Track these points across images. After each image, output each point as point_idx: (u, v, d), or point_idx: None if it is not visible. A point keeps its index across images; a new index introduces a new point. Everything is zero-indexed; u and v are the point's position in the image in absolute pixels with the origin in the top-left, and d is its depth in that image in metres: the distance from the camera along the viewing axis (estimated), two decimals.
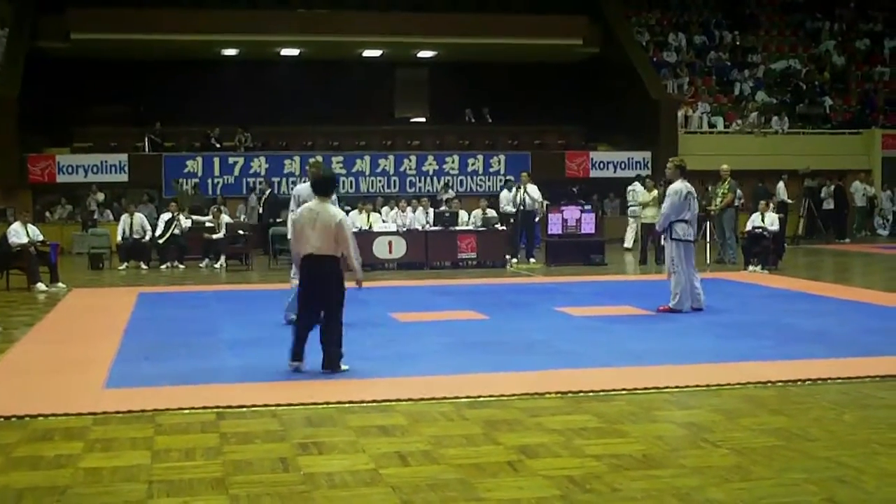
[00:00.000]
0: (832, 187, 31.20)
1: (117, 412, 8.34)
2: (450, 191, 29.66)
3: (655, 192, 22.74)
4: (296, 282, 13.15)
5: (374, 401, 8.68)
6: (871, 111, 36.15)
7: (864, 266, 23.68)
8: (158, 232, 23.67)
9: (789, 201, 29.69)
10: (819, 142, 33.96)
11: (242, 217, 27.89)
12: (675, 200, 14.54)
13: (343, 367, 10.07)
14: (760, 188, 27.23)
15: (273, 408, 8.44)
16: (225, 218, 24.53)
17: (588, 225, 23.27)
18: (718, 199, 22.96)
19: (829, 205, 31.07)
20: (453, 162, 31.42)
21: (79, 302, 16.94)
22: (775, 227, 21.45)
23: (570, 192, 31.94)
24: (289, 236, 12.58)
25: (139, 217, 23.91)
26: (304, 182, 14.22)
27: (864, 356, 10.73)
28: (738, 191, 23.96)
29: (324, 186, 10.41)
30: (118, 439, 7.50)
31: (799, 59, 37.68)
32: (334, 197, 10.61)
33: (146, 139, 31.09)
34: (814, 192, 30.47)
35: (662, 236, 15.08)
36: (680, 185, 14.66)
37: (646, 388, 9.12)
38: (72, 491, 6.29)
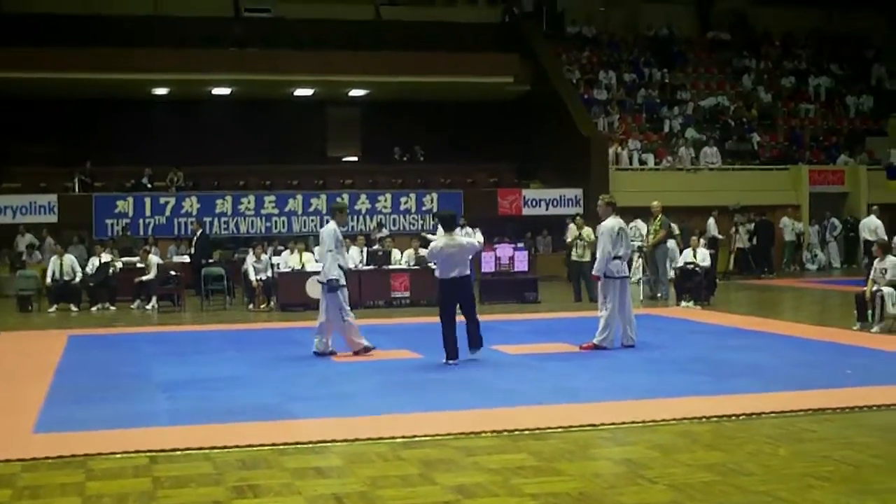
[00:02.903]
0: (752, 224, 31.30)
1: (47, 458, 8.18)
2: (383, 230, 29.62)
3: (587, 230, 22.65)
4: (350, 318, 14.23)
5: (309, 442, 8.61)
6: (798, 147, 36.69)
7: (794, 300, 23.95)
8: (89, 270, 23.50)
9: (720, 237, 29.97)
10: (748, 178, 34.36)
11: (174, 258, 27.63)
12: (608, 240, 14.60)
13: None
14: (684, 227, 27.45)
15: (207, 451, 8.33)
16: (155, 259, 24.29)
17: (521, 263, 23.32)
18: (650, 236, 23.10)
19: (743, 242, 30.86)
20: (386, 201, 31.40)
21: (7, 345, 16.70)
22: (707, 262, 21.63)
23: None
24: (332, 276, 14.07)
25: (69, 258, 23.62)
26: (329, 222, 14.82)
27: (797, 390, 10.85)
28: (673, 225, 24.13)
29: (450, 223, 13.82)
30: (48, 486, 7.36)
31: (727, 96, 38.21)
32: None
33: (76, 179, 30.78)
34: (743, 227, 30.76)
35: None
36: (612, 222, 14.72)
37: (581, 426, 9.13)
38: None
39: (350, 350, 14.26)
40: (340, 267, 14.25)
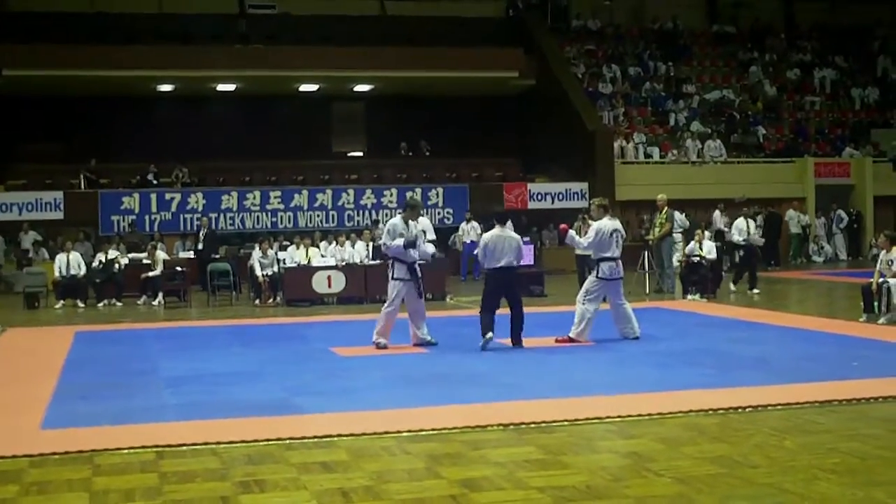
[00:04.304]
0: (759, 216, 31.23)
1: (54, 454, 8.18)
2: (379, 225, 29.49)
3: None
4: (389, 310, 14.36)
5: (315, 436, 8.61)
6: (804, 140, 36.67)
7: (801, 293, 23.93)
8: (95, 266, 23.51)
9: (726, 230, 29.90)
10: (754, 170, 34.38)
11: (181, 254, 27.65)
12: (596, 238, 14.62)
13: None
14: (691, 220, 27.42)
15: (213, 446, 8.33)
16: (161, 255, 24.31)
17: (527, 256, 23.26)
18: (656, 229, 23.05)
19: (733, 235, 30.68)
20: (391, 195, 31.35)
21: (14, 342, 16.71)
22: (713, 255, 21.59)
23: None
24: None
25: (76, 255, 23.64)
26: (398, 215, 15.16)
27: (804, 382, 10.83)
28: (682, 218, 24.08)
29: (503, 218, 14.63)
30: (55, 481, 7.36)
31: (732, 90, 38.16)
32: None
33: (81, 176, 30.79)
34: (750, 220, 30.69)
35: (589, 270, 15.21)
36: (605, 223, 14.72)
37: (587, 419, 9.12)
38: None
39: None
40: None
